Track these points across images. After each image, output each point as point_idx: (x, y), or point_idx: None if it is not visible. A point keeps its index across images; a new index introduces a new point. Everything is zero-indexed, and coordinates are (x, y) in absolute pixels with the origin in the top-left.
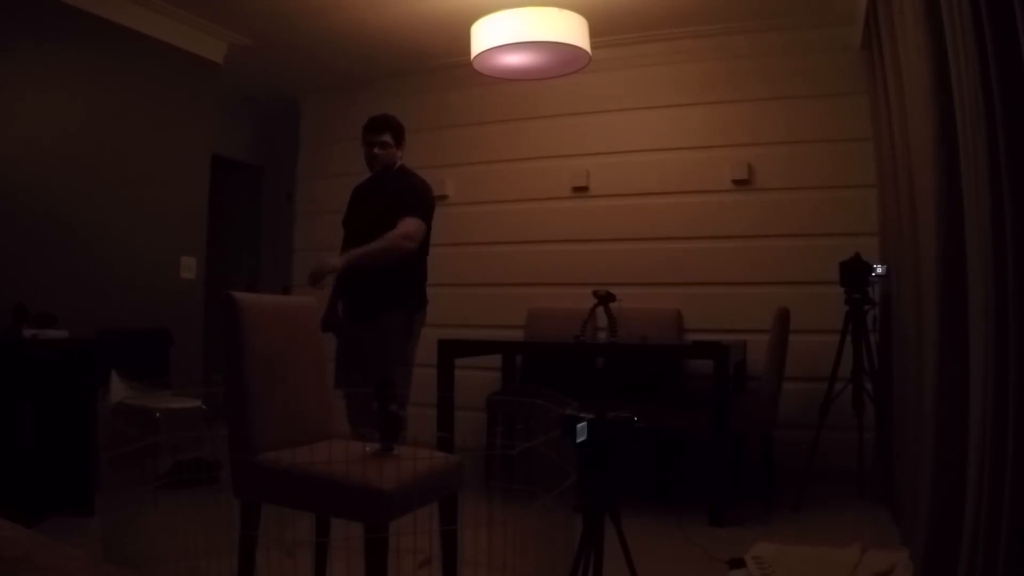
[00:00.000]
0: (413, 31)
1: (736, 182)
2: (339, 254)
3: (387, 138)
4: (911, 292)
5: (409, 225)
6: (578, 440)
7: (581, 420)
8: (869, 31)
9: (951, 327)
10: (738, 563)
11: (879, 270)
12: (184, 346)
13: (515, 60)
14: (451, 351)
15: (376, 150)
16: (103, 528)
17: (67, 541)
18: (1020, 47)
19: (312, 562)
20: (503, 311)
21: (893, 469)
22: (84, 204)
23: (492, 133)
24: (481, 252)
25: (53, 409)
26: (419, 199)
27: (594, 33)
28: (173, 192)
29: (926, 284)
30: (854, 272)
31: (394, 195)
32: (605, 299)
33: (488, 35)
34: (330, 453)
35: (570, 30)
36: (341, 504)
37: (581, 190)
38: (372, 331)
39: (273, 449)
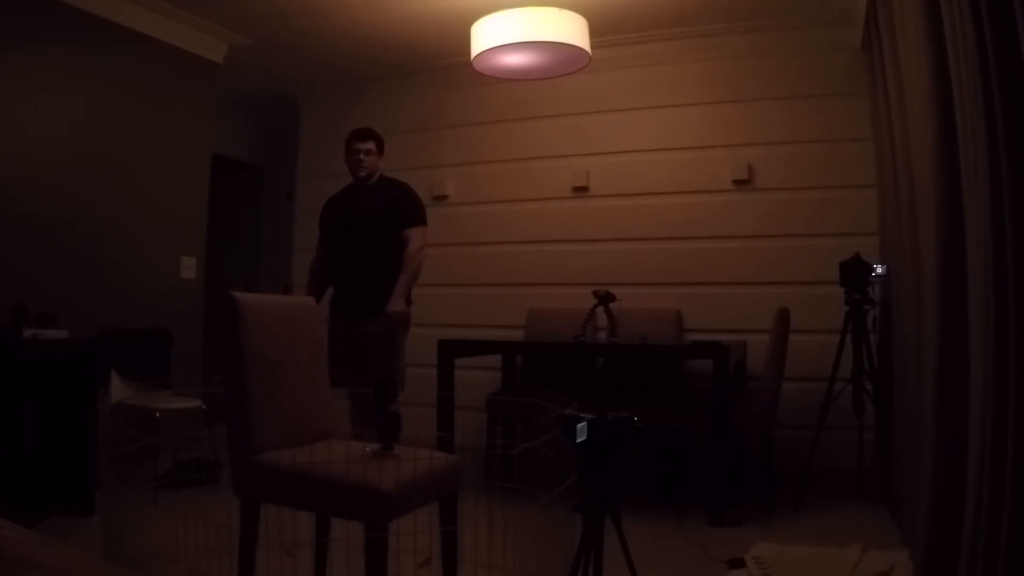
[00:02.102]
0: (413, 31)
1: (736, 182)
2: (319, 260)
3: (371, 146)
4: (911, 292)
5: (420, 237)
6: (578, 440)
7: (581, 420)
8: (869, 31)
9: (951, 327)
10: (738, 563)
11: (879, 270)
12: (184, 346)
13: (515, 60)
14: (451, 351)
15: (362, 156)
16: (103, 528)
17: (67, 541)
18: (1020, 47)
19: (312, 562)
20: (503, 311)
21: (893, 469)
22: (84, 204)
23: (492, 133)
24: (481, 252)
25: (53, 409)
26: (418, 207)
27: (594, 33)
28: (173, 192)
29: (926, 284)
30: (854, 272)
31: (392, 202)
32: (605, 299)
33: (488, 35)
34: (330, 453)
35: (570, 30)
36: (341, 504)
37: (581, 190)
38: (378, 324)
39: (273, 449)
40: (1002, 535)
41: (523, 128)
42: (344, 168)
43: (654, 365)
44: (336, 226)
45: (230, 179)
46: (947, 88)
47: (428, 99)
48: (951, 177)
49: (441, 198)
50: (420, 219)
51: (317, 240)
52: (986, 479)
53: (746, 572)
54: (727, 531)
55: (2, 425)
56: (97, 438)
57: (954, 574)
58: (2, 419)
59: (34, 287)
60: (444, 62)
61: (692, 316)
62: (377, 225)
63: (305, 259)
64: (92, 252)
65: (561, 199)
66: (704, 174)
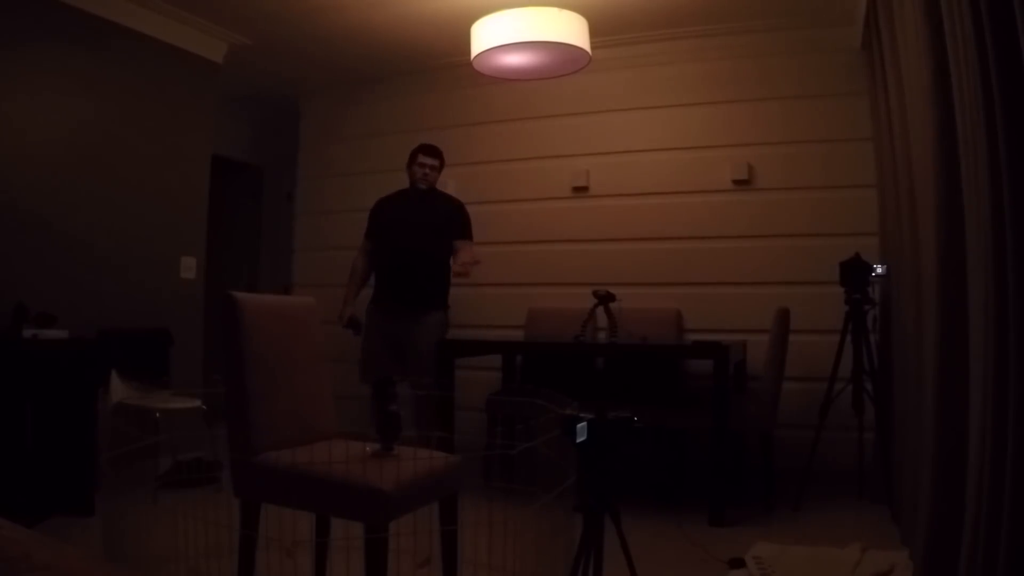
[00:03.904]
0: (413, 31)
1: (736, 182)
2: (365, 259)
3: (436, 163)
4: (911, 292)
5: (472, 249)
6: (578, 440)
7: (581, 420)
8: (869, 31)
9: (951, 327)
10: (738, 563)
11: (879, 270)
12: (184, 346)
13: (515, 60)
14: (451, 351)
15: (428, 170)
16: (103, 528)
17: (67, 541)
18: (1020, 47)
19: (312, 562)
20: (503, 311)
21: (893, 469)
22: (84, 204)
23: (492, 133)
24: (481, 252)
25: (53, 409)
26: (470, 224)
27: (594, 33)
28: (173, 192)
29: (926, 284)
30: (854, 272)
31: (450, 214)
32: (605, 299)
33: (488, 35)
34: (330, 453)
35: (570, 30)
36: (341, 504)
37: (581, 190)
38: (422, 327)
39: (273, 449)
40: (1002, 535)
41: (523, 128)
42: (341, 168)
43: (654, 365)
44: (392, 227)
45: (230, 179)
46: (947, 88)
47: (428, 99)
48: (951, 177)
49: None
50: (470, 234)
51: (364, 238)
52: (986, 479)
53: (746, 572)
54: (727, 531)
55: (2, 425)
56: (97, 438)
57: (954, 574)
58: (2, 419)
59: (34, 287)
60: (444, 62)
61: (692, 316)
62: (434, 232)
63: (305, 259)
64: (92, 252)
65: (561, 199)
66: (704, 174)
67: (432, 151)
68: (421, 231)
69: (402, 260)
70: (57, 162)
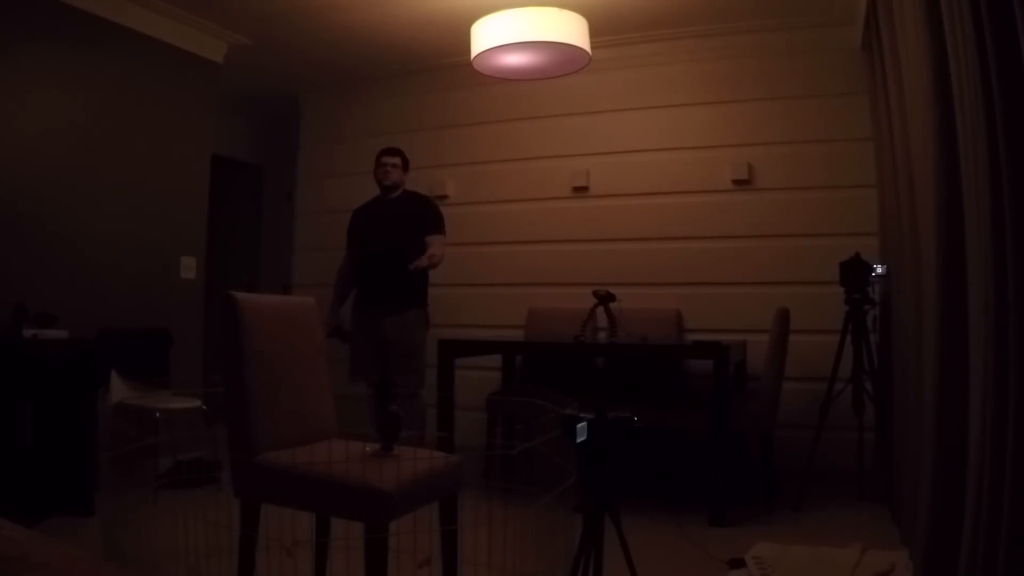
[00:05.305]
0: (413, 31)
1: (736, 182)
2: (348, 269)
3: (397, 160)
4: (911, 292)
5: (440, 242)
6: (578, 440)
7: (581, 420)
8: (869, 31)
9: (951, 327)
10: (738, 563)
11: (879, 270)
12: (184, 346)
13: (515, 60)
14: (451, 351)
15: (389, 168)
16: (103, 528)
17: (67, 541)
18: (1020, 47)
19: (312, 562)
20: (503, 311)
21: (893, 469)
22: (84, 204)
23: (492, 133)
24: (481, 252)
25: (53, 409)
26: (440, 218)
27: (594, 33)
28: (173, 192)
29: (926, 284)
30: (854, 272)
31: (416, 211)
32: (605, 299)
33: (488, 35)
34: (330, 453)
35: (570, 30)
36: (341, 504)
37: (581, 190)
38: (399, 325)
39: (273, 449)
40: (1002, 535)
41: (523, 128)
42: (341, 168)
43: (654, 365)
44: (363, 231)
45: (230, 179)
46: (947, 88)
47: (428, 99)
48: (951, 177)
49: (441, 198)
50: (440, 228)
51: (346, 247)
52: (986, 479)
53: (746, 572)
54: (727, 531)
55: (2, 425)
56: (97, 438)
57: (954, 574)
58: (2, 419)
59: (34, 287)
60: (444, 62)
61: (692, 316)
62: (401, 230)
63: (305, 259)
64: (92, 252)
65: (561, 199)
66: (704, 174)
67: (392, 151)
68: (391, 230)
69: (375, 261)
70: (57, 162)
